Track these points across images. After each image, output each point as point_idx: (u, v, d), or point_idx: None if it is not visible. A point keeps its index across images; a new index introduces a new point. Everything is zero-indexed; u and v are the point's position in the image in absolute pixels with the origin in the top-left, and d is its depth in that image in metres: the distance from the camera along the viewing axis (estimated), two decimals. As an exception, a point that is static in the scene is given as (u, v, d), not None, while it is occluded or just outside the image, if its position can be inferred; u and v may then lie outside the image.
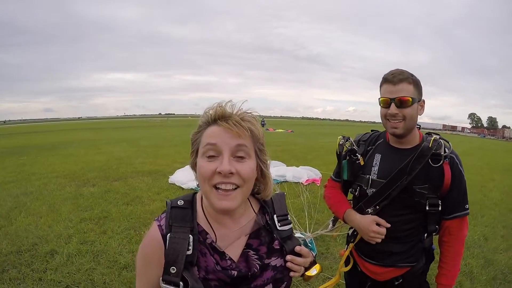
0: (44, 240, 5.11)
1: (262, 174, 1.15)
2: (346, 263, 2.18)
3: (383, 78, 1.85)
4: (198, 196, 1.17)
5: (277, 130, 41.39)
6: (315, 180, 8.92)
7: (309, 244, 4.21)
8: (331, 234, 3.18)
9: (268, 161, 1.16)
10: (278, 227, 1.18)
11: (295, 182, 8.63)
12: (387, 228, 1.88)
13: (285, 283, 1.15)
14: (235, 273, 1.06)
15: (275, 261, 1.14)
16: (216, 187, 1.02)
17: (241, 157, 1.04)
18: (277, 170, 9.25)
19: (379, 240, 1.89)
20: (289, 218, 1.23)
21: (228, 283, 1.05)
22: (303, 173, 9.19)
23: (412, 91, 1.78)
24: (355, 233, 2.08)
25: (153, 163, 12.40)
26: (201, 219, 1.12)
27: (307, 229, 4.70)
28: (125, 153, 15.84)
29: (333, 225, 2.52)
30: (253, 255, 1.11)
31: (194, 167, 1.12)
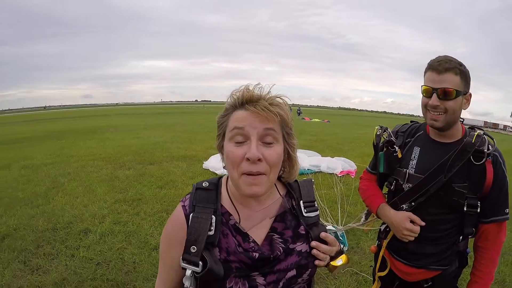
0: (79, 219, 5.28)
1: (289, 157, 1.13)
2: (382, 266, 2.08)
3: (428, 64, 1.70)
4: (223, 179, 1.18)
5: (313, 120, 40.96)
6: (349, 172, 8.74)
7: (340, 238, 4.12)
8: (363, 228, 3.08)
9: (296, 145, 1.13)
10: (304, 213, 1.16)
11: (329, 173, 8.46)
12: (421, 227, 1.76)
13: (310, 270, 1.13)
14: (256, 255, 1.05)
15: (300, 247, 1.12)
16: (244, 175, 1.01)
17: (269, 143, 1.02)
18: (311, 160, 9.15)
19: (412, 239, 1.78)
20: (316, 205, 1.20)
21: (249, 265, 1.04)
22: (338, 164, 9.02)
23: (458, 83, 1.63)
24: (388, 229, 1.98)
25: (188, 148, 12.49)
26: (225, 201, 1.12)
27: (339, 222, 4.61)
28: (161, 138, 16.07)
29: (366, 219, 2.42)
30: (277, 239, 1.10)
31: (220, 149, 1.12)
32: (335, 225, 4.40)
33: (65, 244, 4.38)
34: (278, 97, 1.05)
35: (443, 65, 1.62)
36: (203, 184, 1.13)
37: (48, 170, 8.94)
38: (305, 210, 1.16)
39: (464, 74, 1.64)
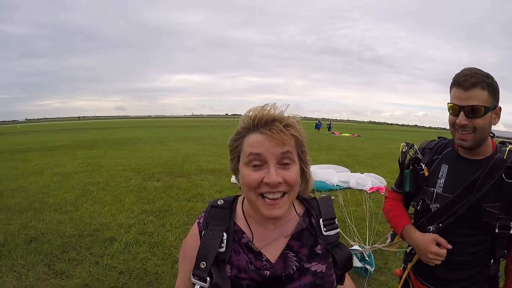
0: (105, 227, 5.37)
1: (303, 173, 1.10)
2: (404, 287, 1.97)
3: (453, 79, 1.60)
4: (240, 198, 1.19)
5: (343, 134, 40.67)
6: (379, 188, 8.53)
7: (367, 258, 3.98)
8: (388, 249, 2.95)
9: (309, 161, 1.13)
10: (324, 232, 1.15)
11: (359, 190, 8.34)
12: (448, 250, 1.64)
13: None
14: (267, 273, 1.04)
15: (315, 267, 1.10)
16: (262, 196, 1.01)
17: (286, 164, 1.01)
18: (340, 176, 9.03)
19: (438, 262, 1.66)
20: (336, 223, 1.18)
21: (260, 282, 1.04)
22: (368, 180, 8.83)
23: (486, 98, 1.52)
24: (413, 252, 1.87)
25: (217, 161, 12.53)
26: (239, 219, 1.13)
27: (367, 240, 4.46)
28: (191, 151, 16.27)
29: (392, 240, 2.31)
30: (292, 257, 1.09)
31: (236, 172, 1.11)
32: (362, 245, 4.26)
33: (90, 251, 4.46)
34: (292, 117, 1.03)
35: (469, 80, 1.52)
36: (218, 202, 1.15)
37: (79, 178, 9.21)
38: (325, 229, 1.14)
39: (492, 88, 1.53)
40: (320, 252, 1.12)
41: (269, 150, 0.98)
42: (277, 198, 1.00)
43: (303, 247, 1.10)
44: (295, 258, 1.08)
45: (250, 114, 1.02)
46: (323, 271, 1.10)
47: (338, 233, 1.17)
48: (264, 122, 0.99)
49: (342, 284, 1.20)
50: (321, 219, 1.16)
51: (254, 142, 0.99)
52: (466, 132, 1.56)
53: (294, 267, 1.06)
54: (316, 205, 1.19)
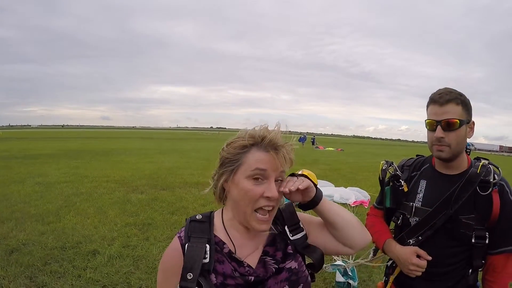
0: (88, 239, 5.30)
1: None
2: None
3: (429, 98, 1.73)
4: (216, 212, 1.27)
5: (327, 149, 40.94)
6: (363, 202, 8.68)
7: (350, 273, 4.02)
8: (371, 264, 3.00)
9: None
10: (291, 237, 1.24)
11: (343, 203, 8.39)
12: (428, 262, 1.71)
13: (301, 284, 1.19)
14: (252, 278, 1.12)
15: (289, 264, 1.19)
16: (256, 211, 1.11)
17: (279, 181, 1.14)
18: (324, 190, 8.96)
19: (419, 274, 1.72)
20: (301, 226, 1.28)
21: (245, 286, 1.11)
22: (351, 195, 8.98)
23: (460, 113, 1.64)
24: (394, 265, 1.93)
25: (202, 175, 12.49)
26: (219, 231, 1.20)
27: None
28: (175, 164, 16.26)
29: (374, 254, 2.36)
30: (270, 260, 1.18)
31: (223, 183, 1.18)
32: (345, 260, 4.29)
33: (72, 264, 4.39)
34: (291, 144, 1.15)
35: (444, 97, 1.64)
36: (197, 217, 1.22)
37: (62, 188, 9.13)
38: (291, 234, 1.24)
39: (465, 104, 1.66)
40: (291, 251, 1.22)
41: (272, 168, 1.10)
42: (266, 215, 1.11)
43: (278, 251, 1.21)
44: (272, 261, 1.17)
45: (259, 132, 1.13)
46: (296, 267, 1.19)
47: (305, 234, 1.26)
48: (273, 144, 1.11)
49: (313, 281, 1.27)
50: (285, 226, 1.25)
51: (260, 159, 1.10)
52: (443, 145, 1.66)
53: (274, 269, 1.15)
54: (279, 214, 1.26)
